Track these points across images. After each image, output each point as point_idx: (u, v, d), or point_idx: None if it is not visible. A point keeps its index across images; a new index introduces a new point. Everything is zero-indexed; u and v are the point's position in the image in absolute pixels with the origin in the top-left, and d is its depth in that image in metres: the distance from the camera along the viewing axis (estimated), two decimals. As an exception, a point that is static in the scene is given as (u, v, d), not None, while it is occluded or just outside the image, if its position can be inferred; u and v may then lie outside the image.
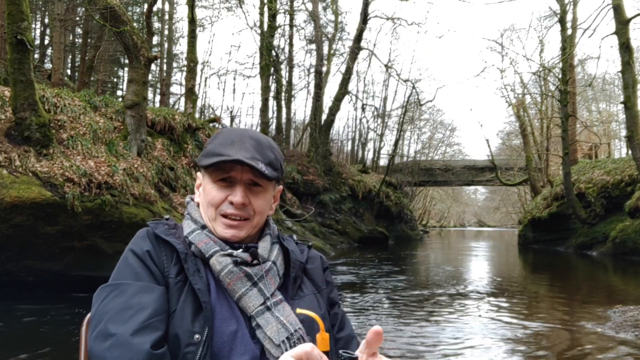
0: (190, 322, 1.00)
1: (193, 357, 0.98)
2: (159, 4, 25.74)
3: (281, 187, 1.23)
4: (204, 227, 1.14)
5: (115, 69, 29.35)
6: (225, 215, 1.11)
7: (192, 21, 15.43)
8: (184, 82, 22.59)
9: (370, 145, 38.49)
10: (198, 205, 1.19)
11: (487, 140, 52.65)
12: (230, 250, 1.09)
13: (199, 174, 1.19)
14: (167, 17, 27.86)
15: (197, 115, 18.86)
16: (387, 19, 25.96)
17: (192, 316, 1.01)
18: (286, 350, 1.00)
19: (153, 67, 15.77)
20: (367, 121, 37.69)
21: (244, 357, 1.02)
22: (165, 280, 1.05)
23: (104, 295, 1.03)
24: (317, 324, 1.09)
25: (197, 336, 0.99)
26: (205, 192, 1.14)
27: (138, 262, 1.06)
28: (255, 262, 1.10)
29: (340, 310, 1.23)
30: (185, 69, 20.99)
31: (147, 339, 0.94)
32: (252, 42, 67.31)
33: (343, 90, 25.08)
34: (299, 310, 1.00)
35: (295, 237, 1.28)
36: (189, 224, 1.16)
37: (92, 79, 21.75)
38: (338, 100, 25.00)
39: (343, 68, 27.65)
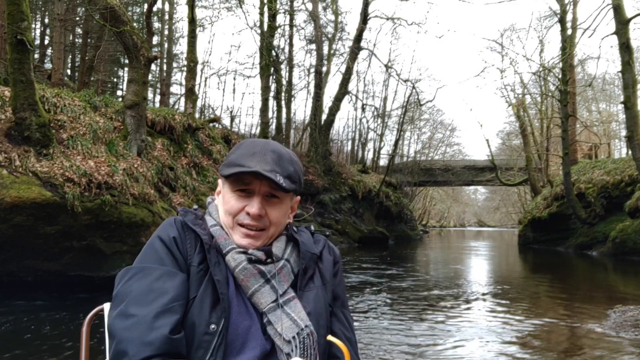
0: (208, 312, 1.04)
1: (208, 346, 1.01)
2: (159, 4, 25.75)
3: (299, 197, 1.25)
4: (222, 226, 1.18)
5: (115, 69, 29.35)
6: (242, 225, 1.14)
7: (192, 21, 15.43)
8: (184, 82, 22.60)
9: (370, 145, 38.53)
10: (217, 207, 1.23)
11: (487, 140, 52.59)
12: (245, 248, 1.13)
13: (219, 181, 1.22)
14: (167, 17, 27.86)
15: (197, 115, 18.86)
16: (387, 19, 25.97)
17: (210, 306, 1.05)
18: (296, 346, 1.05)
19: (153, 67, 15.77)
20: (367, 121, 37.72)
21: (255, 351, 1.05)
22: (187, 267, 1.08)
23: (128, 277, 1.07)
24: (323, 318, 1.13)
25: (213, 326, 1.03)
26: (225, 200, 1.17)
27: (163, 247, 1.09)
28: (269, 260, 1.13)
29: (340, 310, 1.22)
30: (185, 69, 20.99)
31: (167, 322, 0.98)
32: (252, 42, 67.38)
33: (343, 90, 25.07)
34: (329, 338, 1.07)
35: (312, 227, 1.30)
36: (210, 219, 1.20)
37: (92, 79, 21.73)
38: (338, 100, 25.00)
39: (343, 68, 27.67)
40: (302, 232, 1.25)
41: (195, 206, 1.26)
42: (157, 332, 0.96)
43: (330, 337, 1.07)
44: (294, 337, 1.05)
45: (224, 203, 1.17)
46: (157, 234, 1.13)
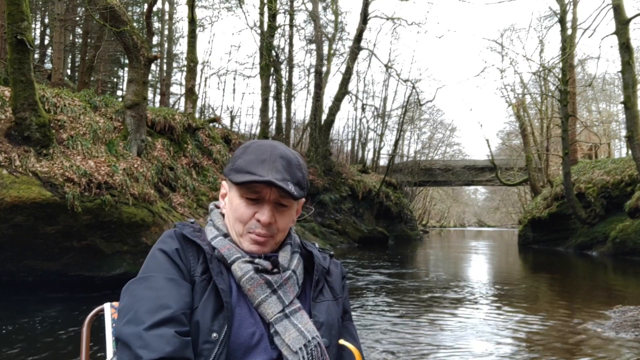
0: (210, 321, 1.03)
1: (209, 354, 1.01)
2: (159, 4, 25.75)
3: (303, 199, 1.25)
4: (226, 235, 1.17)
5: (115, 69, 29.35)
6: (251, 232, 1.14)
7: (192, 21, 15.43)
8: (184, 82, 22.61)
9: (370, 145, 38.53)
10: (222, 215, 1.22)
11: (487, 140, 52.86)
12: (251, 258, 1.13)
13: (224, 183, 1.21)
14: (167, 17, 27.85)
15: (197, 115, 18.86)
16: (387, 19, 25.97)
17: (213, 315, 1.04)
18: (303, 357, 1.05)
19: (153, 67, 15.78)
20: (367, 121, 37.72)
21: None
22: (191, 278, 1.09)
23: (134, 287, 1.06)
24: (335, 329, 1.16)
25: (214, 335, 1.02)
26: (233, 206, 1.16)
27: (167, 259, 1.09)
28: (275, 270, 1.13)
29: (349, 323, 1.26)
30: (185, 69, 20.99)
31: (176, 327, 0.99)
32: (252, 42, 67.35)
33: (343, 90, 25.07)
34: (341, 342, 1.11)
35: (317, 245, 1.31)
36: (212, 230, 1.19)
37: (92, 79, 21.73)
38: (338, 100, 24.99)
39: (343, 68, 27.67)
40: (312, 247, 1.26)
41: (192, 220, 1.25)
42: (167, 333, 0.96)
43: (342, 341, 1.10)
44: (300, 349, 1.05)
45: (232, 209, 1.17)
46: (158, 246, 1.12)
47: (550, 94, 25.92)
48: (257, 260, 1.12)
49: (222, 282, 1.08)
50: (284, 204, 1.14)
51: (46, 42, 23.77)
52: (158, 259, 1.10)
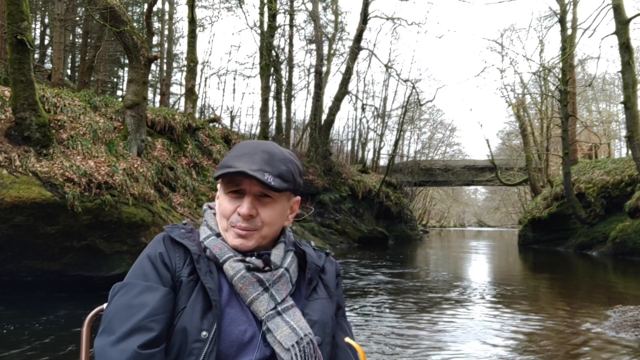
0: (199, 319, 1.04)
1: (199, 353, 1.01)
2: (159, 4, 25.76)
3: (298, 198, 1.24)
4: (218, 235, 1.17)
5: (115, 69, 29.35)
6: (234, 226, 1.14)
7: (192, 21, 15.43)
8: (184, 82, 22.62)
9: (370, 145, 38.57)
10: (215, 214, 1.23)
11: (487, 140, 52.97)
12: (243, 256, 1.13)
13: (219, 185, 1.22)
14: (167, 17, 27.87)
15: (197, 115, 18.86)
16: (387, 19, 25.98)
17: (201, 314, 1.05)
18: (295, 354, 1.05)
19: (153, 67, 15.77)
20: (367, 121, 37.74)
21: (251, 358, 1.05)
22: (175, 281, 1.09)
23: (114, 294, 1.09)
24: (329, 327, 1.16)
25: (204, 333, 1.03)
26: (219, 203, 1.18)
27: (149, 264, 1.10)
28: (267, 268, 1.13)
29: (343, 320, 1.25)
30: (185, 69, 20.99)
31: (139, 338, 0.99)
32: (252, 42, 67.37)
33: (343, 90, 25.07)
34: (346, 340, 1.11)
35: (313, 243, 1.31)
36: (205, 229, 1.20)
37: (92, 79, 21.74)
38: (338, 100, 25.00)
39: (343, 68, 27.69)
40: (306, 246, 1.26)
41: (184, 221, 1.25)
42: (128, 348, 0.97)
43: (347, 339, 1.11)
44: (293, 346, 1.05)
45: (219, 206, 1.18)
46: (145, 251, 1.14)
47: (550, 94, 25.92)
48: (248, 259, 1.12)
49: (211, 281, 1.08)
50: (268, 195, 1.13)
51: (46, 42, 23.77)
52: (142, 264, 1.11)
